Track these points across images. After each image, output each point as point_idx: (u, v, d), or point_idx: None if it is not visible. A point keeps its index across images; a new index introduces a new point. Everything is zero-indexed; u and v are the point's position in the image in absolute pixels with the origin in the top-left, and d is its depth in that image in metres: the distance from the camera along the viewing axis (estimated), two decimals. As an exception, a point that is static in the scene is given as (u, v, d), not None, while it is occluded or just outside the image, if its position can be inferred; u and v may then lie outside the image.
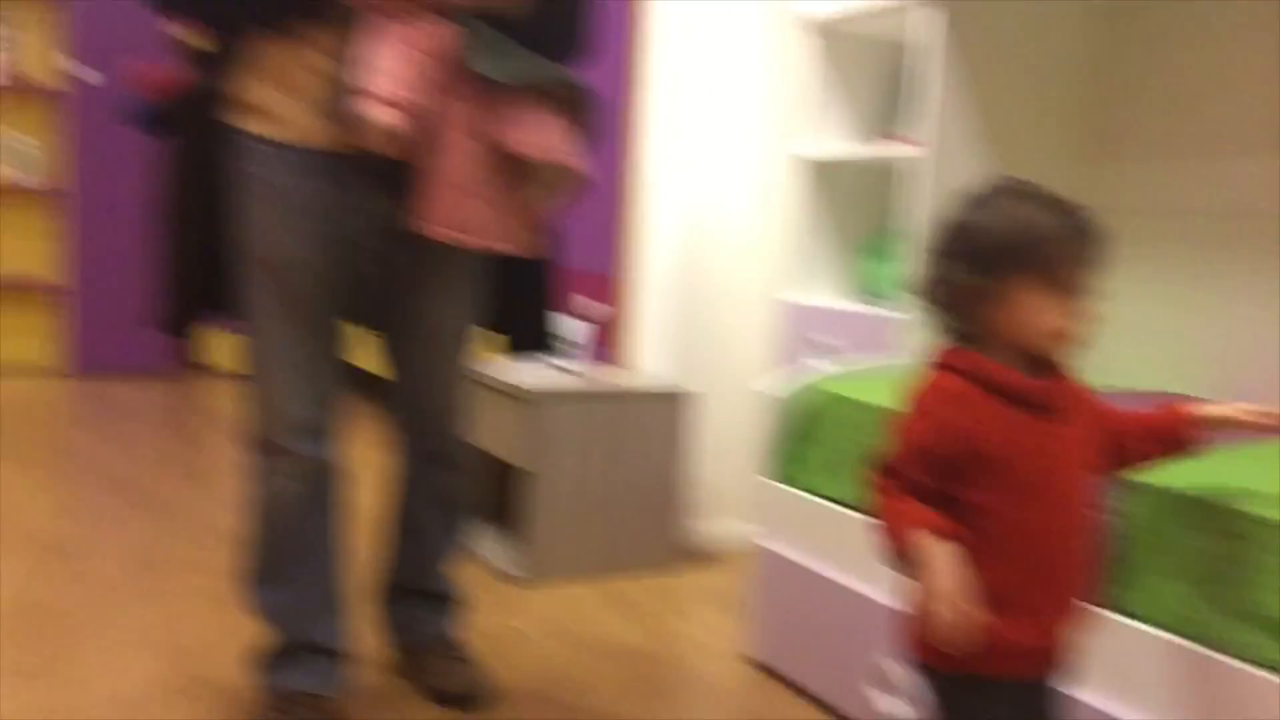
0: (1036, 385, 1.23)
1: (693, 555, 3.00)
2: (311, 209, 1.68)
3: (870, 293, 2.71)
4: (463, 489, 2.05)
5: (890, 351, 2.45)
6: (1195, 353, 2.39)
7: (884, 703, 1.88)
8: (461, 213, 1.62)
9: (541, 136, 1.65)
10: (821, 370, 2.33)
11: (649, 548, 2.86)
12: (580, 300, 3.36)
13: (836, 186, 2.81)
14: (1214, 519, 1.41)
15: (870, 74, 2.82)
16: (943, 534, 1.17)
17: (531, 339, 2.02)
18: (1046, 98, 2.56)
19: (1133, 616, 1.51)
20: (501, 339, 2.01)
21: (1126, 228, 2.60)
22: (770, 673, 2.22)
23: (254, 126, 1.67)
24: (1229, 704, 1.38)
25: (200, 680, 2.02)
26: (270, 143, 1.66)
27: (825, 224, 2.81)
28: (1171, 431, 1.32)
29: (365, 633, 2.12)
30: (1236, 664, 1.37)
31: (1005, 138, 2.50)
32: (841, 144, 2.76)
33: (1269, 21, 2.25)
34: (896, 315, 2.45)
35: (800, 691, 2.13)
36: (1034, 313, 1.20)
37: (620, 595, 2.68)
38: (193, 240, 1.76)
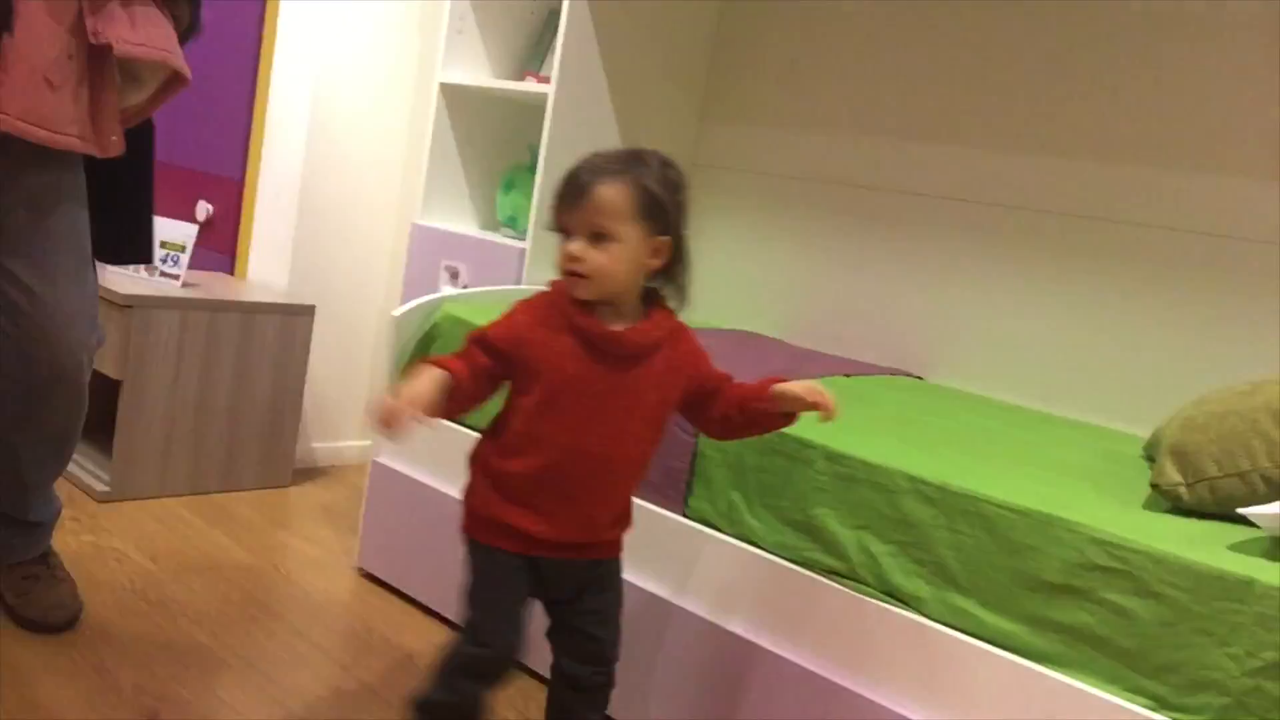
0: (600, 332, 1.37)
1: (306, 472, 2.96)
2: None
3: (505, 224, 2.79)
4: (73, 414, 1.80)
5: (516, 279, 2.56)
6: (766, 295, 2.73)
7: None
8: (42, 105, 1.47)
9: (143, 33, 1.54)
10: (446, 294, 2.39)
11: (258, 464, 2.79)
12: (196, 203, 3.16)
13: (479, 119, 2.85)
14: (772, 442, 1.65)
15: (521, 13, 2.87)
16: (444, 367, 1.32)
17: (126, 250, 1.84)
18: (667, 60, 2.76)
19: (705, 523, 1.73)
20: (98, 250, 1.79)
21: (719, 183, 2.92)
22: (381, 584, 2.28)
23: None
24: (781, 598, 1.63)
25: None
26: None
27: (466, 154, 2.85)
28: (754, 399, 1.44)
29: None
30: (776, 559, 1.63)
31: (628, 89, 2.67)
32: (485, 76, 2.79)
33: (859, 13, 2.58)
34: (524, 245, 2.55)
35: (411, 601, 2.21)
36: (559, 253, 1.38)
37: (227, 511, 2.60)
38: None
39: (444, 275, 2.69)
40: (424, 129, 2.88)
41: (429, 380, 1.29)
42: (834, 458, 1.60)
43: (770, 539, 1.66)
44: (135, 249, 1.85)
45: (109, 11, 1.50)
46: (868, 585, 1.54)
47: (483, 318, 2.16)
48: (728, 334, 2.50)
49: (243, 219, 3.10)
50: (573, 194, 1.35)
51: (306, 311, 2.80)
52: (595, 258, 1.34)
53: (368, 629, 2.10)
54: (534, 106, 2.67)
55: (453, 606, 2.11)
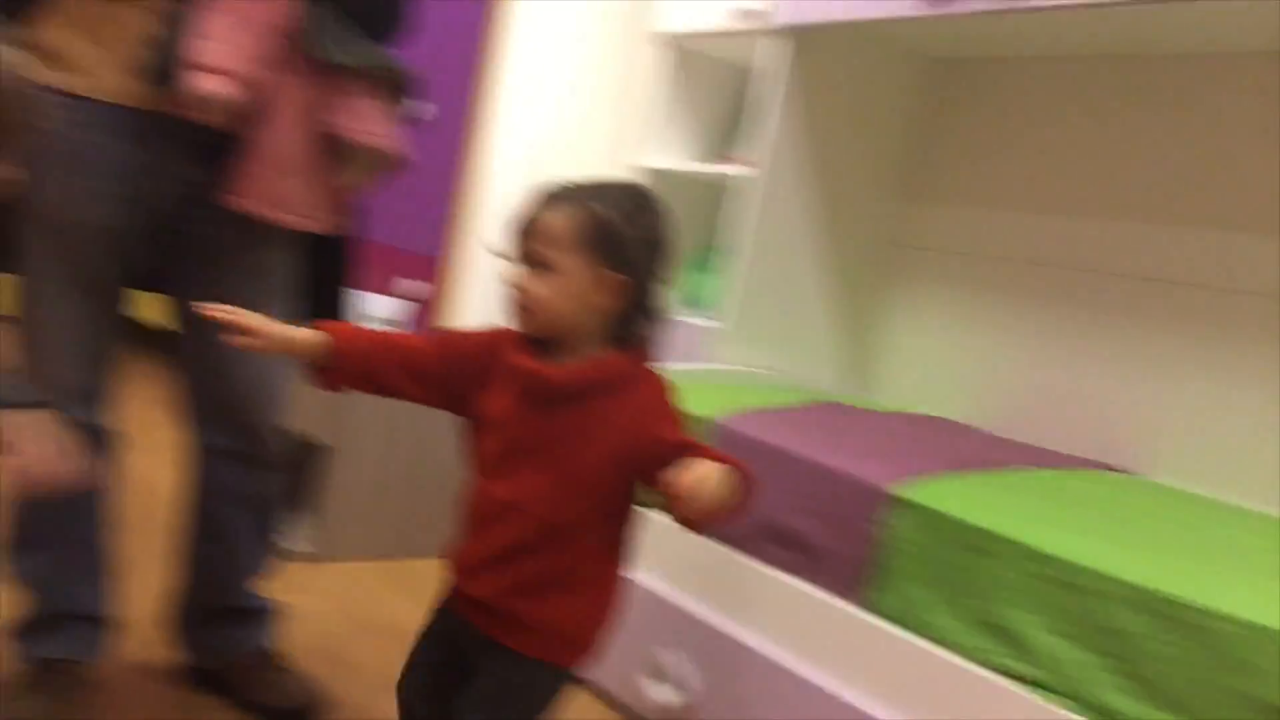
0: (525, 367, 1.25)
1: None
2: (109, 169, 1.56)
3: (691, 303, 2.79)
4: (275, 491, 1.86)
5: (702, 359, 2.54)
6: (960, 379, 2.58)
7: (654, 691, 1.94)
8: (279, 190, 1.58)
9: (367, 122, 1.64)
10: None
11: (446, 531, 2.84)
12: (403, 281, 3.33)
13: (671, 200, 2.88)
14: (965, 536, 1.54)
15: (716, 94, 2.91)
16: (327, 330, 1.30)
17: (329, 316, 1.93)
18: (871, 137, 2.72)
19: (886, 618, 1.62)
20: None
21: (918, 263, 2.82)
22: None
23: (50, 76, 1.52)
24: (964, 703, 1.50)
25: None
26: (66, 95, 1.53)
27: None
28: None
29: (137, 601, 2.04)
30: (970, 666, 1.50)
31: (831, 168, 2.63)
32: (681, 159, 2.83)
33: (1069, 87, 2.46)
34: (712, 325, 2.54)
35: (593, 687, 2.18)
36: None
37: (411, 575, 2.66)
38: None
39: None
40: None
41: (303, 333, 1.32)
42: (1035, 557, 1.47)
43: (958, 640, 1.53)
44: (332, 316, 1.92)
45: (341, 102, 1.60)
46: (1065, 697, 1.40)
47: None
48: (919, 418, 2.39)
49: (445, 296, 3.24)
50: (520, 220, 1.25)
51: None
52: (533, 288, 1.22)
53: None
54: (720, 187, 2.68)
55: (630, 691, 2.06)
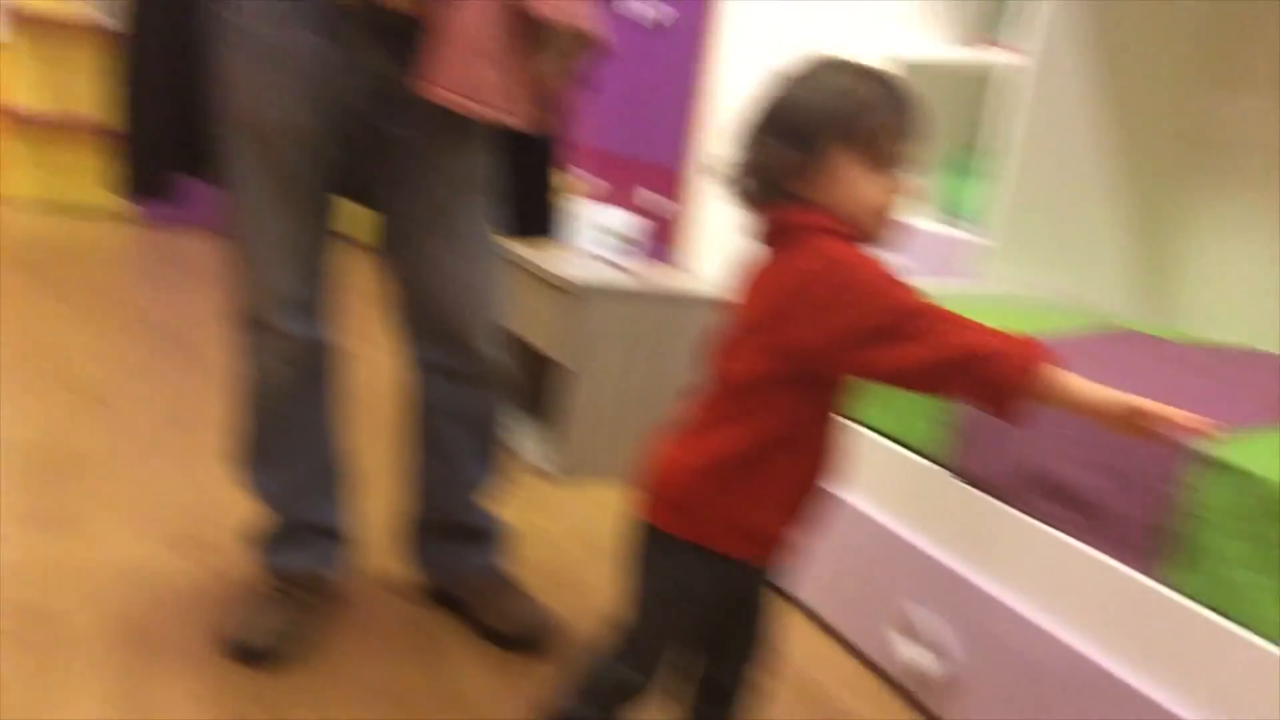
0: None
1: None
2: (302, 66, 1.49)
3: (950, 212, 2.50)
4: (498, 408, 1.79)
5: (965, 277, 2.27)
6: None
7: (900, 647, 1.76)
8: (473, 77, 1.45)
9: (564, 2, 1.49)
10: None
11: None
12: (643, 192, 3.20)
13: (927, 93, 2.59)
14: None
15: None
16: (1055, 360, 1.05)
17: (532, 224, 1.79)
18: (1168, 12, 2.30)
19: (1188, 596, 1.36)
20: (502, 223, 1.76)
21: (1238, 163, 2.38)
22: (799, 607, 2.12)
23: None
24: (1267, 689, 1.23)
25: (202, 543, 1.98)
26: None
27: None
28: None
29: (375, 514, 2.06)
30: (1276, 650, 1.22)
31: (1119, 51, 2.26)
32: (937, 46, 2.52)
33: None
34: (977, 239, 2.26)
35: (815, 625, 2.03)
36: (857, 187, 1.09)
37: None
38: (161, 91, 1.56)
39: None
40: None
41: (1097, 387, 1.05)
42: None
43: (1276, 629, 1.25)
44: (538, 223, 1.80)
45: None
46: None
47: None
48: (1236, 352, 2.02)
49: (684, 213, 3.09)
50: (907, 117, 1.13)
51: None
52: None
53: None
54: (984, 78, 2.35)
55: (878, 645, 1.90)
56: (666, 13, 3.05)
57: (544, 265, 2.64)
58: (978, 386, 1.03)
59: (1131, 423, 1.02)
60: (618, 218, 2.74)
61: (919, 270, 2.36)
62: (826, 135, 1.09)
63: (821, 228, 1.10)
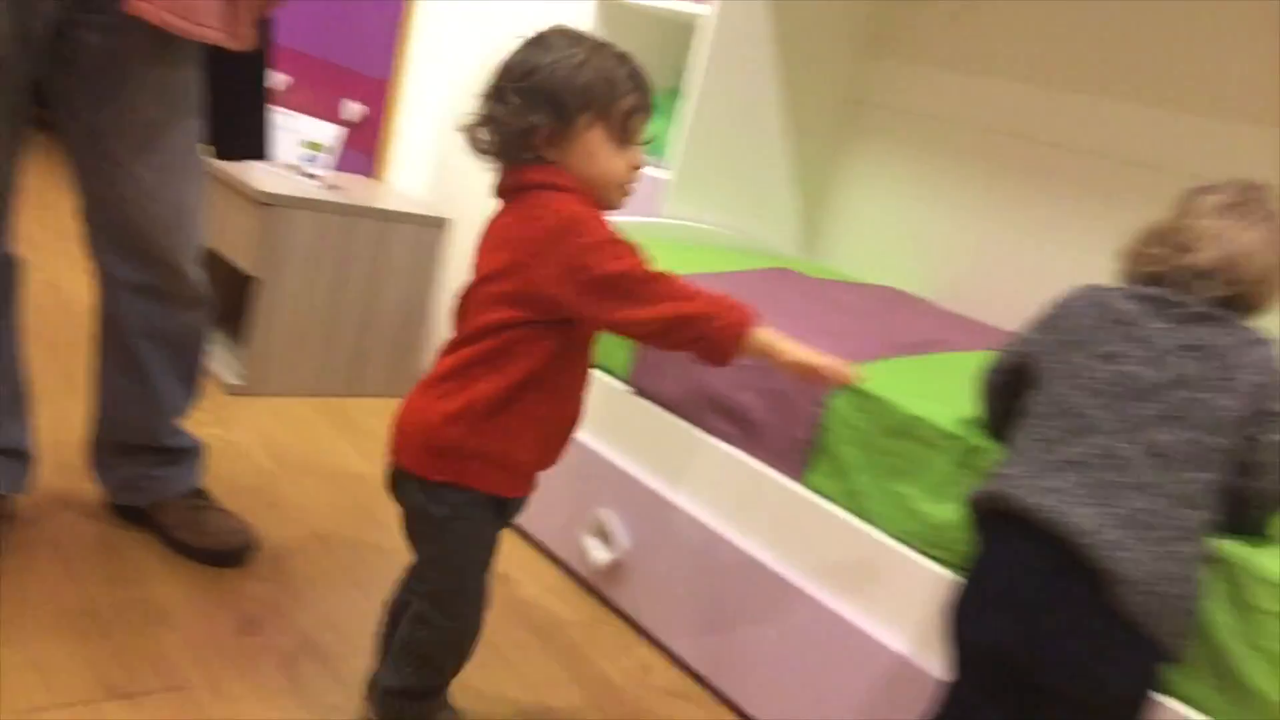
0: None
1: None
2: None
3: (650, 152, 2.68)
4: (203, 330, 1.78)
5: (649, 210, 2.47)
6: (917, 248, 2.56)
7: (595, 549, 1.97)
8: None
9: None
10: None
11: (384, 372, 2.81)
12: (350, 104, 3.15)
13: (634, 38, 2.73)
14: (898, 421, 1.54)
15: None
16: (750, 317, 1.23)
17: (243, 146, 1.75)
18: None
19: (820, 494, 1.64)
20: (209, 145, 1.72)
21: (875, 121, 2.74)
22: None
23: None
24: (891, 580, 1.54)
25: None
26: None
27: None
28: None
29: (54, 430, 1.98)
30: (897, 545, 1.54)
31: (794, 12, 2.50)
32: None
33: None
34: (662, 175, 2.46)
35: (525, 537, 2.19)
36: (602, 158, 1.24)
37: (351, 417, 2.63)
38: None
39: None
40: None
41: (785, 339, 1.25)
42: (973, 450, 1.48)
43: (892, 525, 1.56)
44: (250, 145, 1.78)
45: None
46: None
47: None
48: (872, 289, 2.37)
49: (387, 123, 3.08)
50: (649, 99, 1.27)
51: (441, 224, 2.78)
52: None
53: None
54: (684, 27, 2.54)
55: (555, 539, 2.09)
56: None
57: (234, 174, 2.57)
58: (697, 344, 1.21)
59: (811, 374, 1.26)
60: (315, 127, 2.70)
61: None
62: (584, 110, 1.21)
63: (562, 186, 1.22)
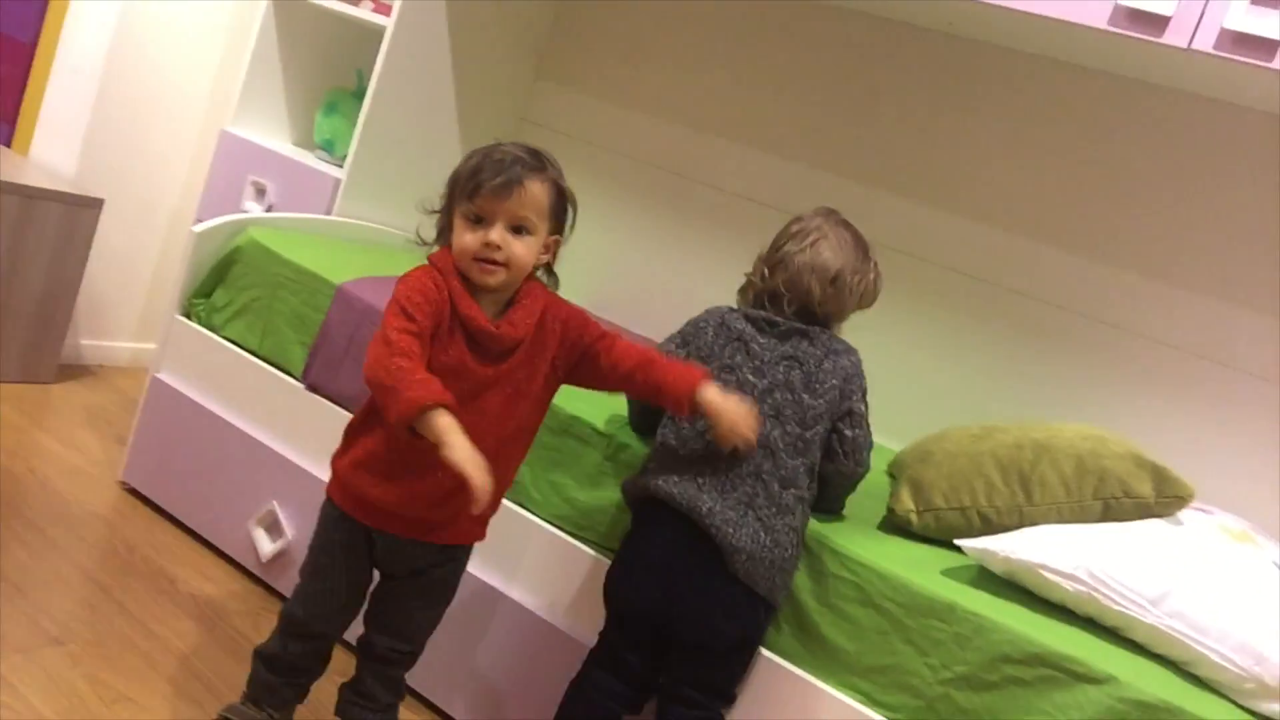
0: (480, 327, 1.40)
1: (72, 370, 2.82)
2: None
3: (321, 146, 2.72)
4: None
5: (323, 208, 2.52)
6: (575, 264, 2.79)
7: (263, 540, 2.02)
8: None
9: None
10: (252, 215, 2.33)
11: (21, 356, 2.63)
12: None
13: (308, 34, 2.75)
14: (562, 422, 1.76)
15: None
16: (439, 399, 1.29)
17: None
18: (512, 12, 2.75)
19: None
20: None
21: (543, 143, 2.91)
22: (145, 501, 2.23)
23: None
24: (536, 553, 1.74)
25: None
26: None
27: (290, 68, 2.75)
28: (671, 389, 1.47)
29: None
30: (550, 528, 1.75)
31: (469, 28, 2.64)
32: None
33: (714, 17, 2.65)
34: (337, 173, 2.51)
35: (176, 523, 2.18)
36: (458, 238, 1.41)
37: (-21, 404, 2.46)
38: None
39: (249, 190, 2.60)
40: (248, 32, 2.76)
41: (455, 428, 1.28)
42: (620, 446, 1.71)
43: (547, 510, 1.76)
44: None
45: None
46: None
47: (289, 247, 2.14)
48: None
49: (31, 89, 2.88)
50: (505, 183, 1.37)
51: (95, 205, 2.65)
52: (515, 248, 1.39)
53: (129, 548, 2.06)
54: (368, 32, 2.61)
55: (222, 534, 2.11)
56: None
57: None
58: (384, 408, 1.32)
59: (462, 477, 1.29)
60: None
61: (284, 195, 2.56)
62: (450, 198, 1.44)
63: (432, 261, 1.44)
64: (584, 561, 1.72)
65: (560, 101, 2.87)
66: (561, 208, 1.46)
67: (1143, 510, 1.61)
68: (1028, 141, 2.24)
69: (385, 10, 2.54)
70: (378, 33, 2.50)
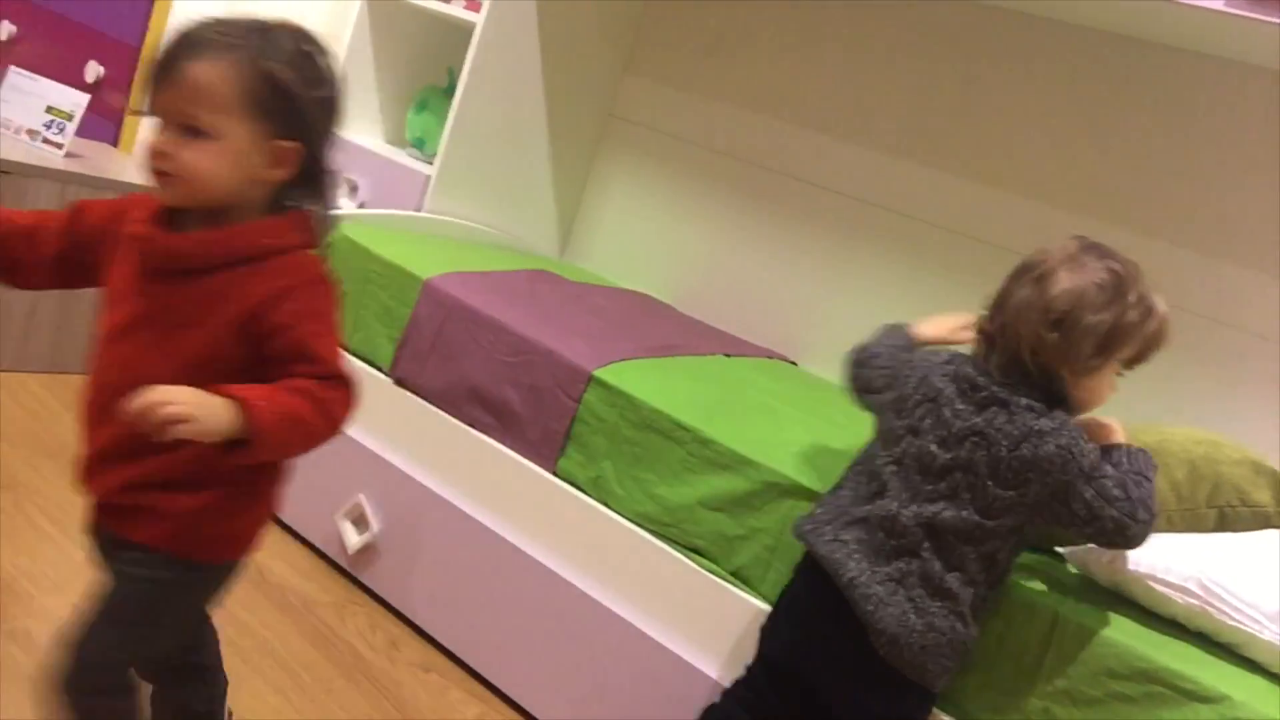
0: (145, 238, 1.10)
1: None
2: None
3: (413, 144, 2.74)
4: None
5: (413, 204, 2.54)
6: (662, 258, 2.76)
7: (350, 532, 2.04)
8: None
9: None
10: (343, 211, 2.35)
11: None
12: (97, 66, 2.99)
13: (399, 32, 2.78)
14: (643, 415, 1.72)
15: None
16: None
17: None
18: (600, 5, 2.73)
19: (569, 483, 1.80)
20: None
21: (632, 137, 2.93)
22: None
23: None
24: (629, 562, 1.72)
25: None
26: None
27: (382, 66, 2.78)
28: None
29: None
30: (634, 528, 1.72)
31: (560, 24, 2.64)
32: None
33: (803, 8, 2.60)
34: (429, 171, 2.53)
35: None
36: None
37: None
38: None
39: (342, 187, 2.64)
40: (342, 30, 2.80)
41: None
42: (704, 442, 1.68)
43: (632, 509, 1.73)
44: None
45: None
46: (717, 565, 1.64)
47: (379, 242, 2.16)
48: (623, 294, 2.54)
49: (135, 89, 2.97)
50: (162, 71, 1.04)
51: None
52: (185, 157, 1.04)
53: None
54: (459, 29, 2.63)
55: (310, 526, 2.13)
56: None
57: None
58: None
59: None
60: (60, 93, 2.57)
61: (373, 191, 2.59)
62: None
63: None
64: (667, 566, 1.68)
65: (649, 96, 2.84)
66: (277, 100, 1.05)
67: (1261, 520, 1.52)
68: (1152, 133, 2.14)
69: (476, 7, 2.55)
70: (469, 30, 2.51)
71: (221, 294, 1.07)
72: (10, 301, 2.47)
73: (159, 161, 1.05)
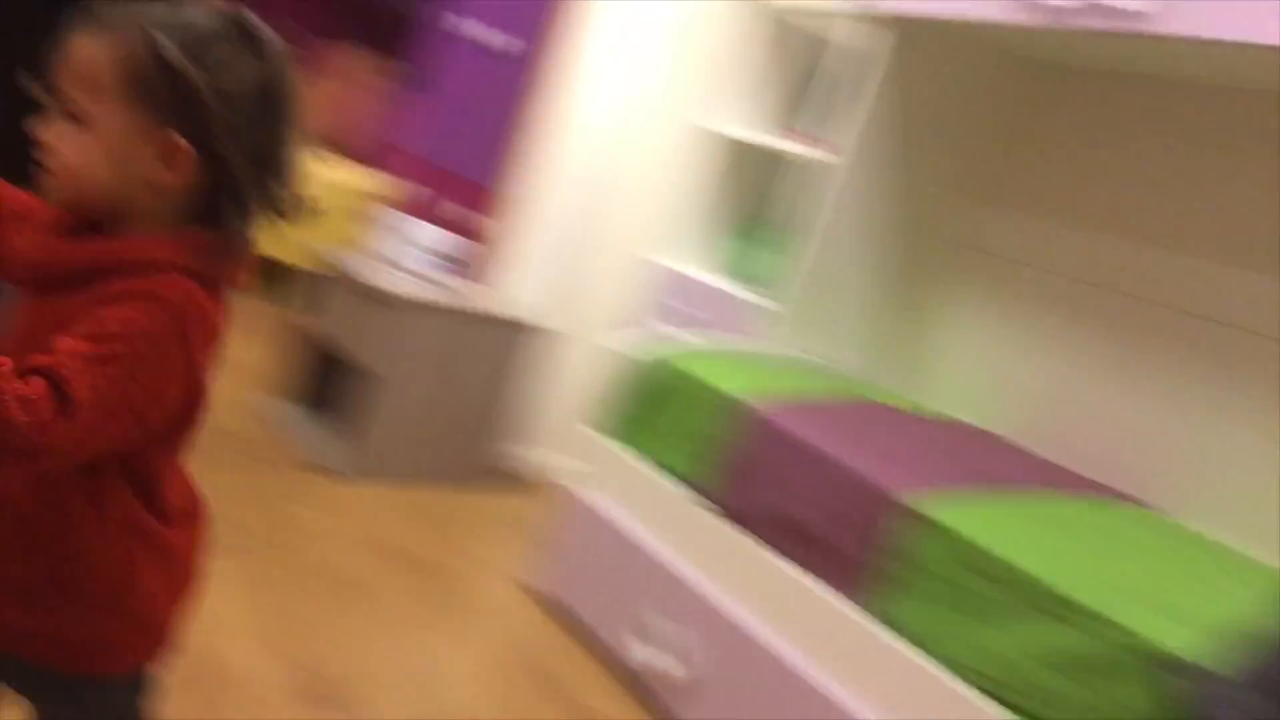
0: (15, 246, 0.91)
1: (504, 478, 3.04)
2: None
3: (735, 274, 2.77)
4: None
5: (744, 335, 2.53)
6: (1006, 391, 2.54)
7: (640, 651, 2.00)
8: None
9: None
10: (676, 340, 2.38)
11: (466, 464, 2.91)
12: (447, 205, 3.32)
13: (730, 166, 2.86)
14: (985, 564, 1.54)
15: (788, 64, 2.85)
16: None
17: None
18: (955, 134, 2.65)
19: (884, 622, 1.65)
20: None
21: (984, 268, 2.76)
22: (546, 604, 2.31)
23: None
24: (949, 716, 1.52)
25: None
26: None
27: (711, 199, 2.86)
28: None
29: None
30: (958, 683, 1.53)
31: (912, 161, 2.59)
32: (751, 129, 2.79)
33: (1158, 112, 2.39)
34: (759, 301, 2.52)
35: (566, 626, 2.24)
36: None
37: (427, 505, 2.71)
38: None
39: (671, 315, 2.69)
40: (667, 165, 2.87)
41: None
42: (1037, 588, 1.47)
43: (952, 656, 1.54)
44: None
45: None
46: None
47: (712, 375, 2.14)
48: (946, 425, 2.37)
49: (505, 233, 3.24)
50: (59, 48, 0.86)
51: (544, 333, 2.91)
52: (60, 146, 0.86)
53: (534, 654, 2.13)
54: (782, 160, 2.64)
55: (608, 639, 2.10)
56: (512, 43, 3.21)
57: (363, 276, 2.74)
58: None
59: None
60: (447, 240, 2.88)
61: (706, 321, 2.61)
62: None
63: None
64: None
65: (997, 221, 2.68)
66: (162, 84, 0.84)
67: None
68: None
69: (806, 142, 2.55)
70: (798, 162, 2.51)
71: (74, 316, 0.83)
72: (391, 422, 2.72)
73: (43, 155, 0.87)
